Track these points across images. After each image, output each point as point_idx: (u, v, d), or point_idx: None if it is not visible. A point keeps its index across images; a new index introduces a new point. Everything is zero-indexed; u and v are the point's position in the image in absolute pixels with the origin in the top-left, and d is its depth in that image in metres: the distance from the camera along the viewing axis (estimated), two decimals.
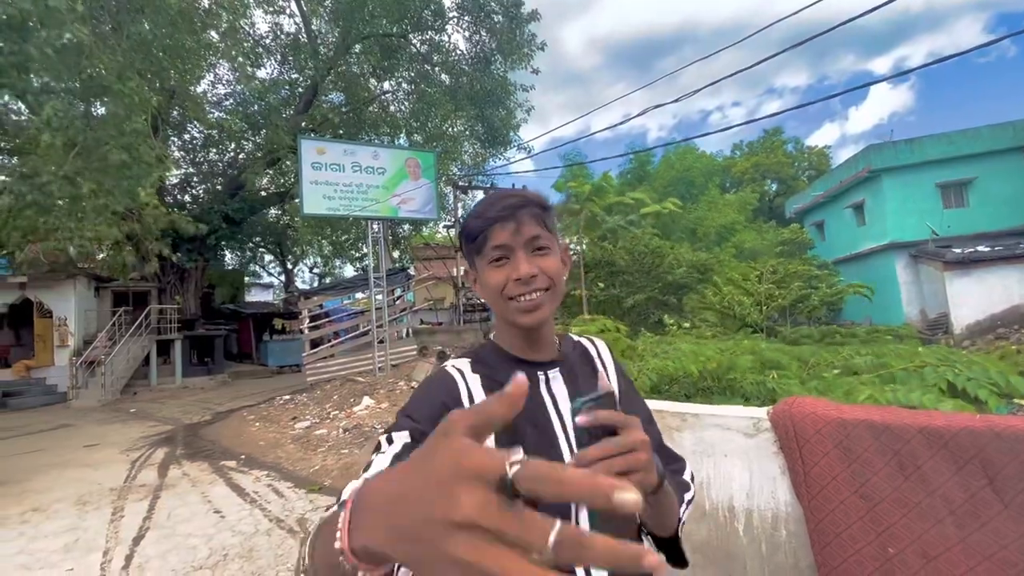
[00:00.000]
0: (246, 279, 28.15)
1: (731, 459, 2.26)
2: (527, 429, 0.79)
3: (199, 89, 14.93)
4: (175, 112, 14.66)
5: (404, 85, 17.83)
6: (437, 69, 16.86)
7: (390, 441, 0.72)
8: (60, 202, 8.65)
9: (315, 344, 12.75)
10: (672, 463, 0.98)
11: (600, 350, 0.99)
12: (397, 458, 0.68)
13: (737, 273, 7.94)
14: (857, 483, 1.81)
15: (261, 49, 16.35)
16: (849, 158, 17.85)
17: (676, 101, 5.40)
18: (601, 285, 9.09)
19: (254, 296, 29.96)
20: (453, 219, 16.26)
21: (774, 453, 2.14)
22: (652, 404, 2.77)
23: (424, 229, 22.39)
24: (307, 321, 13.08)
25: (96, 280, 15.13)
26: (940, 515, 1.66)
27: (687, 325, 5.28)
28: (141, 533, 4.09)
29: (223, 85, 17.33)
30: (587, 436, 0.60)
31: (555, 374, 0.86)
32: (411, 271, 16.19)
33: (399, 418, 0.78)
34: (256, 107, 16.24)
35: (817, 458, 1.91)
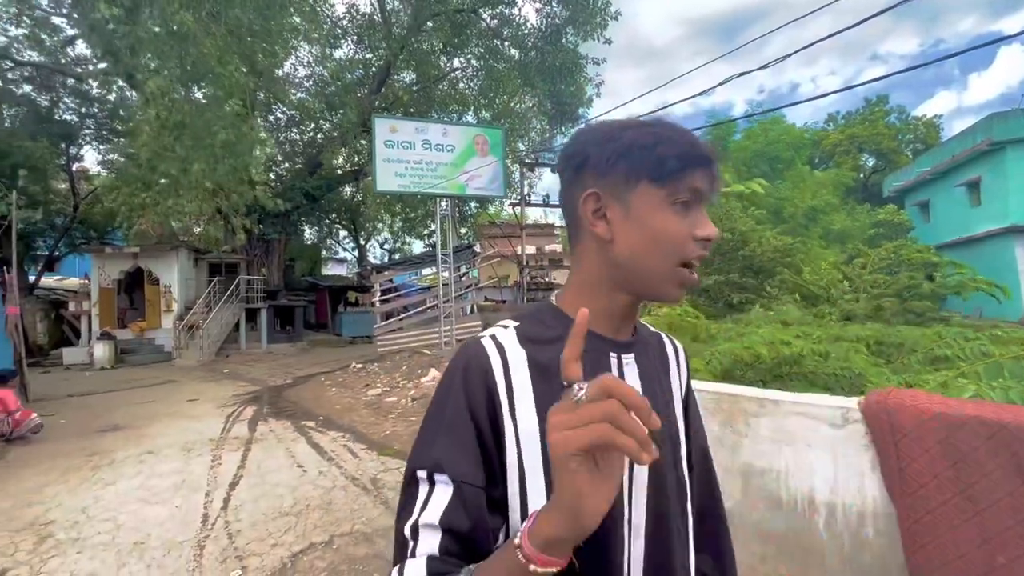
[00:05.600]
0: (323, 253, 29.83)
1: (814, 450, 2.13)
2: None
3: (281, 72, 15.74)
4: (260, 94, 15.56)
5: (473, 62, 17.84)
6: (507, 44, 16.69)
7: (431, 484, 0.58)
8: (163, 180, 9.55)
9: (386, 317, 13.35)
10: (716, 521, 0.82)
11: (680, 355, 0.83)
12: (449, 524, 0.56)
13: (832, 259, 7.24)
14: (963, 484, 1.64)
15: (339, 30, 16.91)
16: (965, 129, 15.83)
17: (763, 68, 5.01)
18: None
19: (330, 270, 31.72)
20: (519, 197, 16.25)
21: (864, 446, 1.99)
22: (727, 388, 2.65)
23: (490, 207, 22.59)
24: (378, 295, 13.71)
25: (195, 252, 16.64)
26: None
27: (771, 312, 4.93)
28: (236, 479, 4.52)
29: (303, 67, 18.17)
30: None
31: (629, 359, 0.70)
32: (477, 248, 16.42)
33: (429, 440, 0.61)
34: (333, 88, 16.90)
35: (916, 454, 1.75)
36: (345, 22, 17.20)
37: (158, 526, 3.59)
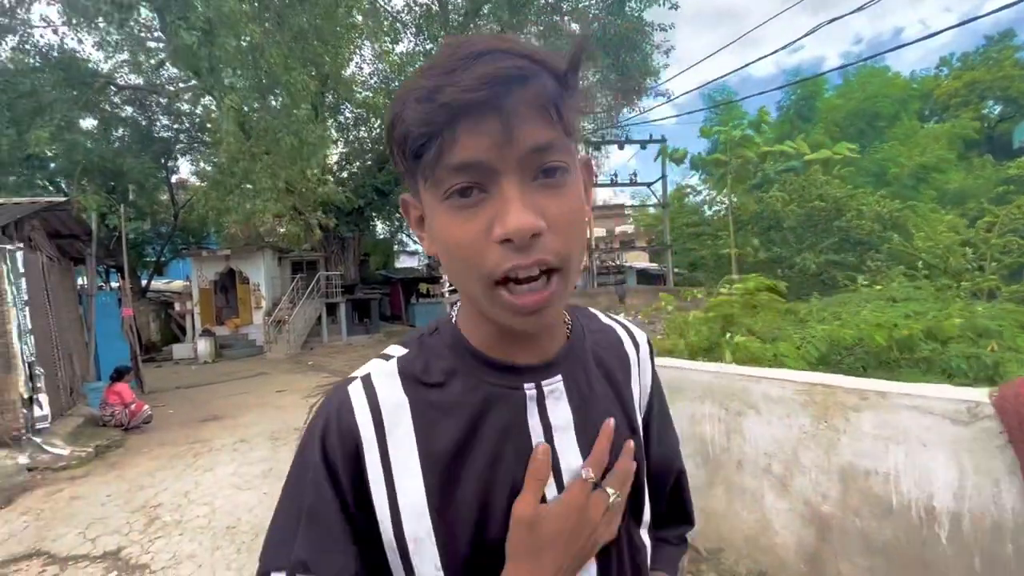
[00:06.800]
0: (395, 247, 30.93)
1: (932, 450, 1.82)
2: (499, 489, 0.48)
3: (347, 71, 16.29)
4: (329, 96, 16.22)
5: (533, 41, 17.50)
6: (567, 19, 16.22)
7: None
8: (248, 185, 10.24)
9: (454, 307, 13.58)
10: (677, 526, 0.70)
11: (642, 350, 0.63)
12: None
13: (948, 221, 6.28)
14: None
15: (399, 25, 17.21)
16: None
17: (858, 11, 4.42)
18: (756, 243, 7.86)
19: (402, 263, 32.81)
20: None
21: (998, 448, 1.66)
22: (821, 378, 2.34)
23: None
24: (447, 286, 13.96)
25: (278, 251, 17.81)
26: None
27: (879, 287, 4.35)
28: None
29: (367, 64, 18.71)
30: None
31: (554, 385, 0.52)
32: None
33: (286, 532, 0.48)
34: (396, 83, 17.26)
35: None
36: (404, 15, 17.45)
37: (248, 511, 3.83)
